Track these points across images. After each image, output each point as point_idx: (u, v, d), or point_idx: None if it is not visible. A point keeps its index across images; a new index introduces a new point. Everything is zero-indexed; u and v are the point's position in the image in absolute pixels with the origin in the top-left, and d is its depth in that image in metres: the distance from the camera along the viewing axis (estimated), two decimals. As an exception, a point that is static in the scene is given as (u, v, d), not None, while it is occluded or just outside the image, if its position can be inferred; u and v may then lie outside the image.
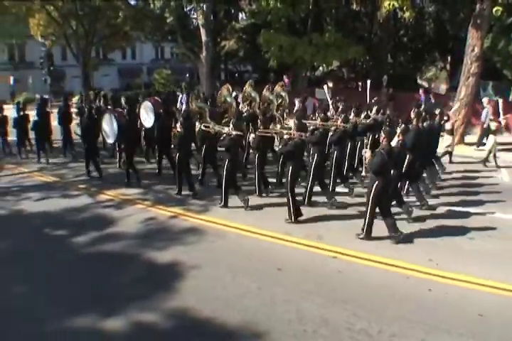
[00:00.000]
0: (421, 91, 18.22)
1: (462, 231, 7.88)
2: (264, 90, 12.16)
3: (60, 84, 40.51)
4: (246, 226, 8.17)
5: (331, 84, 26.77)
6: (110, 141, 12.08)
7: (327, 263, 6.70)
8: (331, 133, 9.87)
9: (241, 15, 31.10)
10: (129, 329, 5.21)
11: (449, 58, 30.44)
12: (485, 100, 15.34)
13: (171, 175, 11.07)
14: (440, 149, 12.11)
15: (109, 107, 13.64)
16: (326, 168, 9.95)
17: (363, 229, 7.53)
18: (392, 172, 7.85)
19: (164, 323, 5.32)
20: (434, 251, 7.02)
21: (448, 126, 12.74)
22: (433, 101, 17.91)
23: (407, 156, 8.87)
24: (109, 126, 11.37)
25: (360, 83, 28.56)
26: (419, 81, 34.00)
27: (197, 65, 24.16)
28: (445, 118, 12.10)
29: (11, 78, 39.57)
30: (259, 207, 9.31)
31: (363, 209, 7.93)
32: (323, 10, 24.63)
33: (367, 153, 7.81)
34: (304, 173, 9.60)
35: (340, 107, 11.25)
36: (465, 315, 5.35)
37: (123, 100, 14.97)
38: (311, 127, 9.85)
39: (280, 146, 9.00)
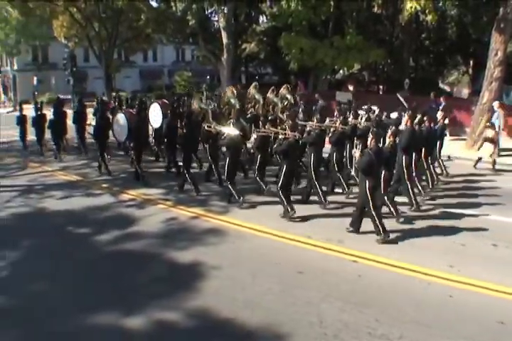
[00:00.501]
0: (442, 98, 17.77)
1: (485, 237, 7.78)
2: (269, 92, 12.38)
3: (82, 85, 41.12)
4: (267, 228, 8.19)
5: (351, 87, 26.69)
6: (121, 139, 12.65)
7: (347, 267, 6.67)
8: (330, 135, 10.09)
9: (262, 18, 31.23)
10: (150, 328, 5.26)
11: (471, 62, 30.06)
12: (495, 104, 15.14)
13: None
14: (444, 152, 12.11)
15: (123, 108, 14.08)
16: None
17: (377, 233, 7.56)
18: (383, 172, 8.05)
19: (184, 322, 5.36)
20: (455, 257, 6.94)
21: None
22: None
23: (403, 157, 9.03)
24: (120, 126, 11.84)
25: (381, 86, 28.38)
26: (440, 85, 33.65)
27: (218, 67, 24.30)
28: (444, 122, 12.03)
29: (35, 78, 40.32)
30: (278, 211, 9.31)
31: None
32: (345, 13, 24.54)
33: (356, 153, 8.07)
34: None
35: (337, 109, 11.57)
36: (486, 322, 5.28)
37: (131, 101, 16.14)
38: (308, 128, 10.02)
39: (275, 146, 9.25)
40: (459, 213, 9.03)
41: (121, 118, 11.81)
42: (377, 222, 7.51)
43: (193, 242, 7.65)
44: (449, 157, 14.02)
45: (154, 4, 30.30)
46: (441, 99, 17.65)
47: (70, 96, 27.32)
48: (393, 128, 9.17)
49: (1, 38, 42.31)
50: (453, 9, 26.71)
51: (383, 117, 11.55)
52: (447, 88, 35.30)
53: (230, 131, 9.66)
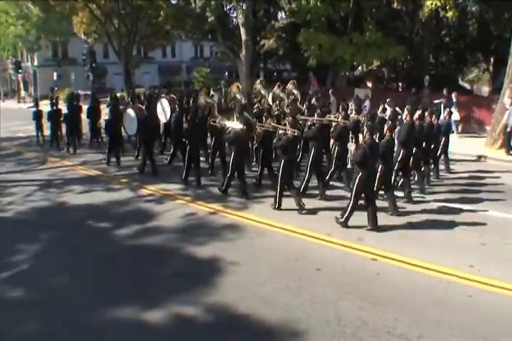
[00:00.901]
0: (453, 94, 17.69)
1: (507, 238, 7.68)
2: (275, 88, 12.56)
3: (101, 81, 41.55)
4: (285, 224, 8.18)
5: (370, 84, 26.49)
6: (130, 133, 13.10)
7: (366, 265, 6.64)
8: (332, 129, 10.28)
9: (280, 14, 31.11)
10: (169, 322, 5.31)
11: (492, 59, 29.58)
12: (508, 101, 14.90)
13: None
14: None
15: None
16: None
17: (342, 215, 8.03)
18: (380, 166, 8.39)
19: (203, 317, 5.39)
20: (475, 257, 6.87)
21: None
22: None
23: (401, 151, 9.34)
24: (129, 120, 12.28)
25: (400, 83, 28.09)
26: (460, 82, 33.18)
27: (236, 63, 24.29)
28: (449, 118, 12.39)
29: (55, 74, 40.86)
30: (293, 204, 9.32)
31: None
32: (364, 9, 24.32)
33: (352, 147, 8.33)
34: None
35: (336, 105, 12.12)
36: (506, 322, 5.22)
37: (142, 96, 16.63)
38: (309, 122, 10.21)
39: (275, 141, 9.39)
40: (480, 213, 8.94)
41: (130, 112, 12.20)
42: (349, 210, 7.91)
43: (211, 237, 7.68)
44: (479, 157, 13.90)
45: (173, 1, 30.39)
46: (453, 95, 17.52)
47: (89, 92, 27.61)
48: (390, 122, 9.24)
49: (21, 34, 42.99)
50: (474, 5, 26.34)
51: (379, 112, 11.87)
52: (467, 85, 34.79)
53: (234, 125, 9.77)
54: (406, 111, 10.26)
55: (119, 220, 8.68)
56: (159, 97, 14.42)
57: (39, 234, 8.12)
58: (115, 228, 8.29)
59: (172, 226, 8.30)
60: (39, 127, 17.31)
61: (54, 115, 16.02)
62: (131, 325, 5.28)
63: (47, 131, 16.90)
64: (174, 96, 14.07)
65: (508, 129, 14.41)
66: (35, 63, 49.39)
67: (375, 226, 7.91)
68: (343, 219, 7.99)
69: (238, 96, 11.99)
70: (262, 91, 12.68)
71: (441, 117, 12.52)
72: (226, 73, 36.43)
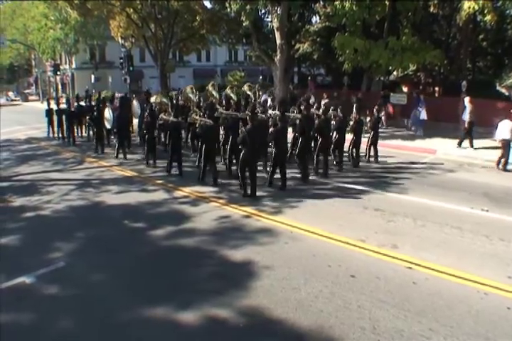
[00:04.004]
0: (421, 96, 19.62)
1: None
2: (227, 88, 14.32)
3: (138, 84, 42.32)
4: (319, 230, 8.16)
5: (405, 89, 26.11)
6: (108, 126, 15.86)
7: (401, 274, 6.55)
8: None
9: (315, 19, 31.02)
10: (202, 323, 5.36)
11: (530, 65, 28.78)
12: (467, 98, 15.85)
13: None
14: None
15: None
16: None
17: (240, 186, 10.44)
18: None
19: (236, 320, 5.42)
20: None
21: None
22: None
23: (300, 139, 11.55)
24: (108, 117, 15.43)
25: (437, 88, 27.59)
26: (498, 88, 32.34)
27: (271, 67, 24.33)
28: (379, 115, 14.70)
29: (92, 76, 41.84)
30: (330, 212, 9.32)
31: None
32: (400, 13, 23.97)
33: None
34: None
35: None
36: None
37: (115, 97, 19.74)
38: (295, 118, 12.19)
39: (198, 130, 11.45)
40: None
41: (107, 111, 15.47)
42: (240, 182, 10.33)
43: (245, 241, 7.73)
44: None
45: (209, 5, 30.70)
46: (421, 97, 19.42)
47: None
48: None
49: (60, 38, 44.33)
50: (512, 9, 25.65)
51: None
52: (505, 91, 33.86)
53: (204, 120, 11.39)
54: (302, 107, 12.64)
55: (154, 221, 8.83)
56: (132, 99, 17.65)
57: (75, 233, 8.33)
58: (150, 228, 8.43)
59: (206, 228, 8.38)
60: (50, 123, 20.24)
61: (69, 114, 18.41)
62: (164, 325, 5.37)
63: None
64: (144, 96, 17.35)
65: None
66: (73, 66, 50.74)
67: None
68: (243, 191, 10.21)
69: (191, 96, 14.05)
70: (214, 93, 14.32)
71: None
72: (260, 77, 36.51)
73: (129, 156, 14.95)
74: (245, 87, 14.62)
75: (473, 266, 6.74)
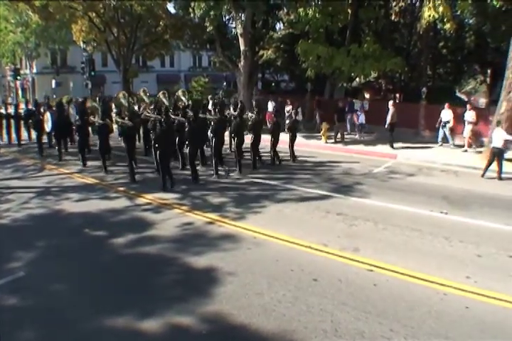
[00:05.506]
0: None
1: (502, 248, 7.72)
2: (160, 93, 14.58)
3: (100, 89, 41.60)
4: (283, 235, 8.19)
5: (367, 95, 26.63)
6: (48, 130, 16.35)
7: (363, 276, 6.65)
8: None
9: (279, 25, 31.33)
10: (165, 331, 5.30)
11: (489, 71, 29.82)
12: (391, 102, 17.30)
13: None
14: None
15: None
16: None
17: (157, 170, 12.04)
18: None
19: (198, 327, 5.38)
20: (472, 268, 6.91)
21: None
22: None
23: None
24: (48, 121, 15.93)
25: (397, 95, 28.25)
26: (457, 94, 33.40)
27: (235, 73, 24.38)
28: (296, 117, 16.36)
29: (53, 81, 40.91)
30: (293, 218, 9.37)
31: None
32: (362, 21, 24.50)
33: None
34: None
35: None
36: (503, 334, 5.24)
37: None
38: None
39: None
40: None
41: (48, 115, 15.98)
42: (162, 177, 11.46)
43: (208, 247, 7.68)
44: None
45: (172, 10, 30.55)
46: (363, 102, 20.89)
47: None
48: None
49: (21, 42, 43.16)
50: (471, 18, 26.57)
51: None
52: (464, 97, 35.02)
53: (125, 122, 12.69)
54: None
55: (115, 229, 8.67)
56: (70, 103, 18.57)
57: (35, 242, 8.11)
58: (112, 236, 8.27)
59: (169, 235, 8.29)
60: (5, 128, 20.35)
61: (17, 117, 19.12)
62: (126, 334, 5.28)
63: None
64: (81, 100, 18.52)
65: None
66: (34, 70, 49.52)
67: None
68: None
69: (123, 101, 14.28)
70: (145, 98, 15.42)
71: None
72: (224, 83, 36.55)
73: (89, 163, 14.65)
74: (179, 93, 15.56)
75: (433, 268, 6.90)
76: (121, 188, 11.75)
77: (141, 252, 7.57)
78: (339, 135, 18.87)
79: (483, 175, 13.07)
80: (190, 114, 12.81)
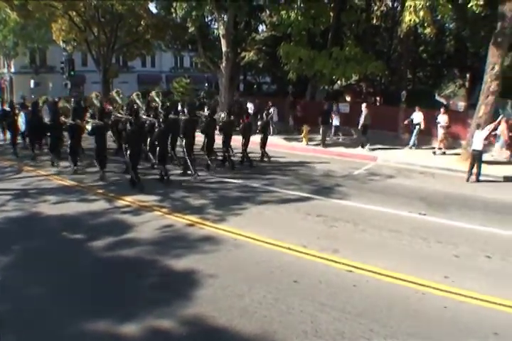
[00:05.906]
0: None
1: (479, 249, 7.85)
2: (134, 94, 15.08)
3: (79, 89, 41.08)
4: (262, 237, 8.19)
5: (348, 98, 26.83)
6: (22, 129, 16.53)
7: (342, 277, 6.70)
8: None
9: (262, 27, 31.38)
10: (144, 335, 5.24)
11: (468, 76, 30.31)
12: (364, 104, 17.89)
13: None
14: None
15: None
16: None
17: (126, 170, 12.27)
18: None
19: (180, 330, 5.34)
20: (451, 268, 7.01)
21: None
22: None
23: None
24: (21, 121, 16.19)
25: (378, 98, 28.53)
26: (437, 97, 33.88)
27: (216, 74, 24.34)
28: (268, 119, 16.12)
29: (31, 81, 40.25)
30: (274, 219, 9.39)
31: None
32: (344, 24, 24.72)
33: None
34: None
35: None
36: (480, 333, 5.33)
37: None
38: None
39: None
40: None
41: (21, 115, 16.21)
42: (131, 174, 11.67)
43: (188, 250, 7.63)
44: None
45: (154, 10, 30.35)
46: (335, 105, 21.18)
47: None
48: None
49: (-2, 40, 42.37)
50: (451, 23, 27.03)
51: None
52: (443, 100, 35.51)
53: (95, 122, 12.90)
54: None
55: (94, 231, 8.55)
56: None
57: (12, 245, 7.94)
58: (90, 239, 8.15)
59: (149, 238, 8.21)
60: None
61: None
62: (105, 338, 5.21)
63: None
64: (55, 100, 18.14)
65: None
66: (12, 70, 48.68)
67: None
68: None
69: (95, 101, 14.93)
70: (117, 99, 15.47)
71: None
72: (206, 84, 36.45)
73: (66, 164, 14.41)
74: (153, 93, 15.82)
75: (411, 268, 6.99)
76: (100, 190, 11.59)
77: (120, 255, 7.48)
78: (320, 137, 18.95)
79: (467, 179, 13.16)
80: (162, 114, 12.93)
